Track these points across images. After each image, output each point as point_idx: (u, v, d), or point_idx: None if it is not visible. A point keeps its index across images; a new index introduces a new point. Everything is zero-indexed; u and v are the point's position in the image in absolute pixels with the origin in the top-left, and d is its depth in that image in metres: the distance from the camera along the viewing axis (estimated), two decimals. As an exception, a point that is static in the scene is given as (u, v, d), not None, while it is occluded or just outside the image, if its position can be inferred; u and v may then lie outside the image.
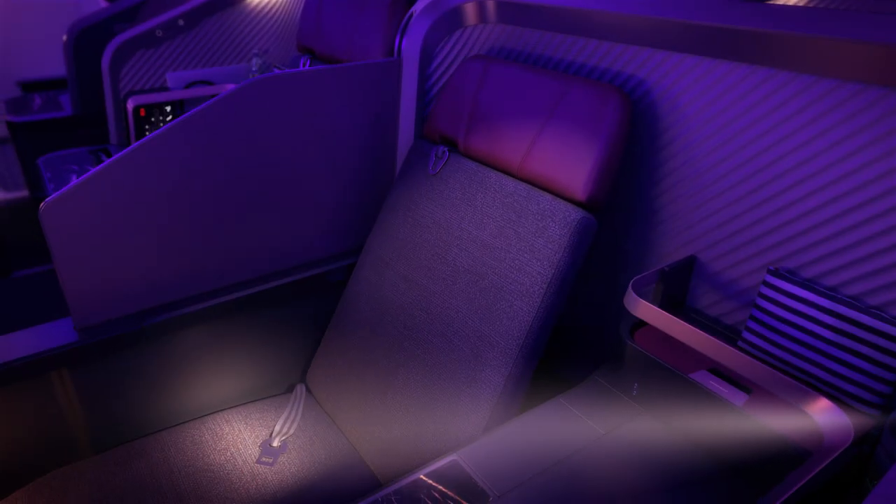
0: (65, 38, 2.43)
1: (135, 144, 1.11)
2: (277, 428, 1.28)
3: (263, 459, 1.21)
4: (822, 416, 0.76)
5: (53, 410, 1.22)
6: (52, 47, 3.24)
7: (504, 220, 1.11)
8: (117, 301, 1.21)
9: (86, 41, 2.42)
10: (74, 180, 1.08)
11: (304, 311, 1.49)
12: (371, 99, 1.39)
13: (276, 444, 1.24)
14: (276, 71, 1.74)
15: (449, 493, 0.86)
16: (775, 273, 0.94)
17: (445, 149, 1.29)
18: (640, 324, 1.06)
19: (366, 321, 1.32)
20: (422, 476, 0.89)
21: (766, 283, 0.94)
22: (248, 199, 1.29)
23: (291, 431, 1.28)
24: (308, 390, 1.42)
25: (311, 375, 1.43)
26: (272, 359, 1.48)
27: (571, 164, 1.04)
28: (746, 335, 0.97)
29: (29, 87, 3.14)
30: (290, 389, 1.49)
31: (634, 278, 0.99)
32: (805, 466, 0.72)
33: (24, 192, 3.03)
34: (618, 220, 1.19)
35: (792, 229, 0.94)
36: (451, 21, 1.37)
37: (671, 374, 0.94)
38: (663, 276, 1.04)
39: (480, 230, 1.15)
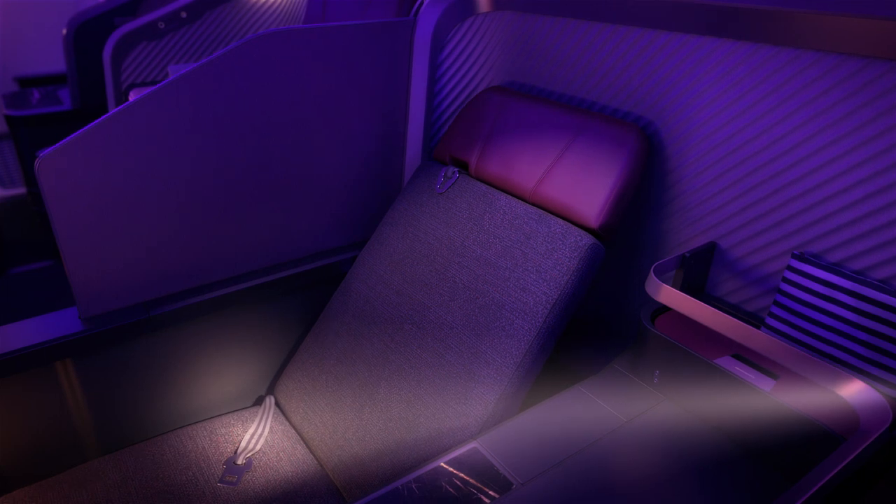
0: (64, 31, 2.40)
1: (136, 98, 1.07)
2: (243, 444, 1.22)
3: (227, 478, 1.15)
4: (857, 398, 0.74)
5: (57, 403, 1.19)
6: (48, 43, 3.21)
7: (511, 241, 1.11)
8: (123, 290, 1.19)
9: (86, 34, 2.40)
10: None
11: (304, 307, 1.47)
12: (381, 67, 1.35)
13: (240, 461, 1.18)
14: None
15: (470, 480, 0.84)
16: (800, 257, 0.92)
17: (456, 169, 1.29)
18: (661, 311, 1.04)
19: (349, 332, 1.26)
20: (442, 464, 0.87)
21: (790, 268, 0.93)
22: (256, 183, 1.27)
23: (258, 447, 1.21)
24: (277, 403, 1.35)
25: (282, 386, 1.35)
26: (271, 361, 1.47)
27: (586, 193, 1.06)
28: (770, 321, 0.96)
29: (26, 83, 3.11)
30: (259, 401, 1.44)
31: (655, 264, 0.97)
32: (840, 451, 0.71)
33: (21, 189, 2.99)
34: (636, 207, 1.17)
35: (816, 213, 0.92)
36: (462, 8, 1.35)
37: (695, 360, 0.92)
38: (684, 262, 1.02)
39: (485, 249, 1.14)
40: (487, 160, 1.23)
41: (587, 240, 1.03)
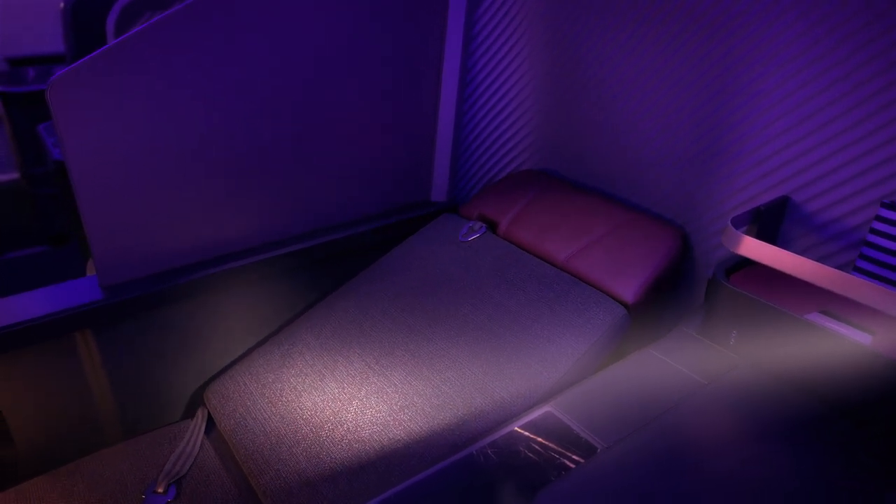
0: (62, 4, 2.30)
1: (155, 19, 0.97)
2: (167, 468, 1.04)
3: None
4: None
5: (76, 377, 1.10)
6: (40, 23, 3.09)
7: (538, 296, 1.10)
8: (146, 257, 1.10)
9: (84, 7, 2.29)
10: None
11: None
12: (415, 24, 1.27)
13: (160, 490, 1.00)
14: None
15: (550, 444, 0.77)
16: (891, 206, 0.86)
17: (483, 224, 1.29)
18: (732, 270, 0.98)
19: (322, 346, 1.14)
20: (516, 428, 0.80)
21: (879, 218, 0.87)
22: (284, 148, 1.19)
23: (184, 471, 1.03)
24: (210, 415, 1.16)
25: (218, 394, 1.14)
26: None
27: (625, 273, 1.10)
28: (855, 275, 0.90)
29: (18, 63, 3.00)
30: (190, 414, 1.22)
31: (733, 216, 0.91)
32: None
33: (14, 175, 2.88)
34: (702, 160, 1.11)
35: (905, 160, 0.87)
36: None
37: (782, 317, 0.85)
38: (758, 215, 0.96)
39: (506, 298, 1.11)
40: (520, 224, 1.26)
41: (622, 309, 1.06)
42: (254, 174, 1.17)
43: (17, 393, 1.05)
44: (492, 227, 1.31)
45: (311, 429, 1.00)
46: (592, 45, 1.24)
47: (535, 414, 0.82)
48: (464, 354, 1.03)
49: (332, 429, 0.99)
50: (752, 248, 0.85)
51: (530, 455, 0.75)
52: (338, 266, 1.37)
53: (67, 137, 0.95)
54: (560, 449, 0.76)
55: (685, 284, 1.22)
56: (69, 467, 1.03)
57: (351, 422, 0.99)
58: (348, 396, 1.03)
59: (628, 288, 1.08)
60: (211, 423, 1.14)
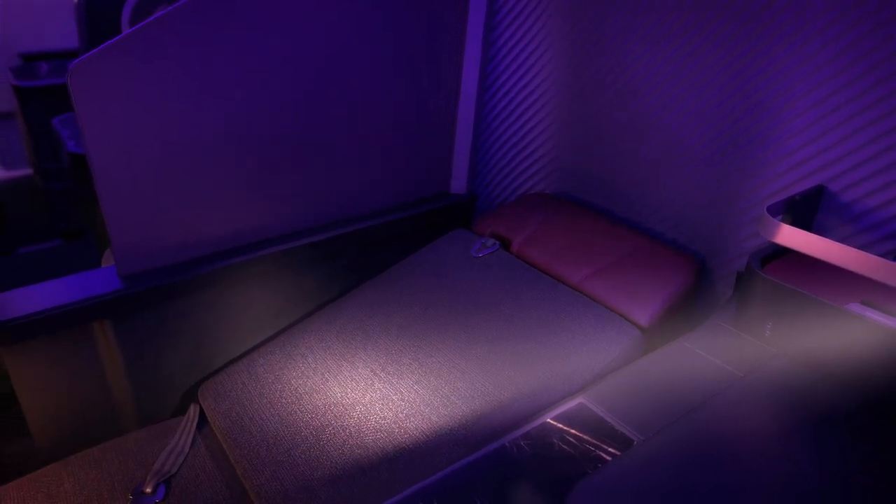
0: (77, -2, 2.29)
1: (175, 5, 0.94)
2: (156, 466, 0.99)
3: None
4: None
5: (94, 367, 1.09)
6: (53, 19, 3.09)
7: (552, 314, 1.09)
8: (165, 247, 1.09)
9: (98, 1, 2.29)
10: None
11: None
12: (434, 12, 1.26)
13: (148, 489, 0.95)
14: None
15: (584, 436, 0.75)
16: (935, 193, 0.83)
17: (496, 241, 1.28)
18: (767, 259, 0.95)
19: (326, 349, 1.11)
20: (549, 420, 0.78)
21: (922, 206, 0.84)
22: (306, 138, 1.17)
23: (174, 470, 0.99)
24: (202, 411, 1.10)
25: (214, 392, 1.09)
26: None
27: (640, 297, 1.09)
28: (897, 266, 0.87)
29: (31, 59, 3.00)
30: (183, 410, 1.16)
31: (768, 204, 0.88)
32: None
33: (28, 171, 2.89)
34: (733, 151, 1.08)
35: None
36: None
37: (822, 308, 0.83)
38: (793, 204, 0.94)
39: (520, 314, 1.10)
40: (534, 244, 1.25)
41: (636, 331, 1.06)
42: (274, 164, 1.15)
43: (35, 382, 1.04)
44: (504, 244, 1.29)
45: (311, 432, 0.96)
46: (618, 48, 1.21)
47: (567, 405, 0.80)
48: (474, 367, 1.01)
49: (334, 433, 0.95)
50: (791, 236, 0.82)
51: (564, 447, 0.73)
52: (356, 259, 1.35)
53: (87, 124, 0.94)
54: (595, 441, 0.74)
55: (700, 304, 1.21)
56: (55, 466, 0.99)
57: (354, 427, 0.95)
58: (352, 402, 1.00)
59: (644, 312, 1.07)
60: (203, 421, 1.09)
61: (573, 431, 0.75)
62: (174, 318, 1.14)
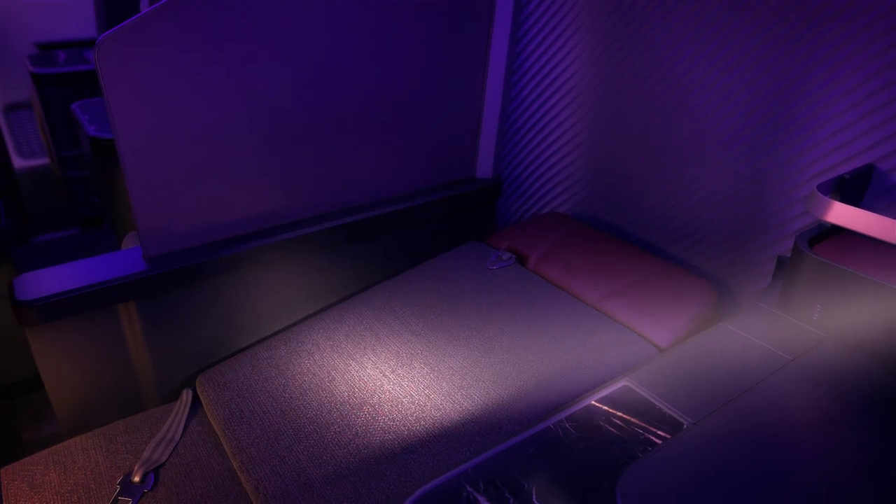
0: (95, -16, 2.28)
1: None
2: (145, 454, 0.95)
3: (120, 500, 0.89)
4: None
5: (118, 349, 1.07)
6: (69, 7, 3.09)
7: (568, 327, 1.07)
8: (191, 228, 1.07)
9: (117, -12, 2.28)
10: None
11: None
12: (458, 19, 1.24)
13: (136, 479, 0.92)
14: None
15: (632, 419, 0.72)
16: None
17: (512, 255, 1.27)
18: (815, 240, 0.92)
19: (334, 347, 1.09)
20: (594, 402, 0.75)
21: (981, 184, 0.81)
22: (335, 120, 1.14)
23: (164, 459, 0.95)
24: (196, 397, 1.09)
25: (213, 381, 1.07)
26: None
27: (660, 320, 1.07)
28: (953, 246, 0.84)
29: (46, 48, 2.99)
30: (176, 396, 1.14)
31: (819, 182, 0.85)
32: None
33: (45, 160, 2.88)
34: (776, 129, 1.05)
35: None
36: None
37: (877, 289, 0.79)
38: (843, 183, 0.90)
39: (536, 327, 1.08)
40: (550, 261, 1.24)
41: (656, 352, 1.03)
42: (300, 147, 1.13)
43: (61, 363, 1.02)
44: (520, 259, 1.28)
45: (315, 428, 0.93)
46: (645, 41, 1.18)
47: (612, 388, 0.77)
48: (487, 375, 0.98)
49: (340, 431, 0.92)
50: (844, 214, 0.79)
51: (611, 430, 0.71)
52: (379, 244, 1.33)
53: (113, 100, 0.92)
54: (643, 424, 0.71)
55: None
56: (42, 454, 0.96)
57: (360, 427, 0.93)
58: (359, 402, 0.97)
59: (665, 333, 1.05)
60: (195, 410, 1.06)
61: (620, 414, 0.73)
62: (197, 300, 1.12)
